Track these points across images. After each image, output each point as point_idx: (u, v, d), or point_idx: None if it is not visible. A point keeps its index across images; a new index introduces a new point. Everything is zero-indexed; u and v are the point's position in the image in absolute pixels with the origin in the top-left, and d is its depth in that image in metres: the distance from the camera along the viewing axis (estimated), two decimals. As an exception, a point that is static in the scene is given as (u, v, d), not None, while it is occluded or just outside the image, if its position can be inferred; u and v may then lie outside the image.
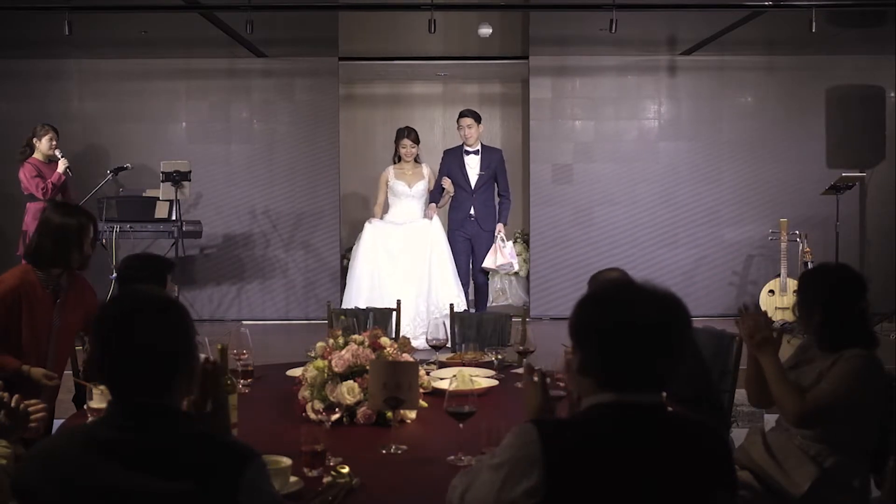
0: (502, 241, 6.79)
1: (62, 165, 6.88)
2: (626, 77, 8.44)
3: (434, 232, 6.67)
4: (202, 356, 1.90)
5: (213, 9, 6.80)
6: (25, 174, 6.86)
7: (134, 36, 7.70)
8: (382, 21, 8.63)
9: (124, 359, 1.64)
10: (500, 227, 6.83)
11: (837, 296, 2.73)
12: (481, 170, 6.82)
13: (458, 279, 6.68)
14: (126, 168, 7.26)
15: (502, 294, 9.17)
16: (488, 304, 7.37)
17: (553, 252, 8.33)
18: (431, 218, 6.70)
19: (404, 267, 6.53)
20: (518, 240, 8.94)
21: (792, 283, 7.21)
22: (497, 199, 7.00)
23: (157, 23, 7.37)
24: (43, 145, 6.94)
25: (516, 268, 7.10)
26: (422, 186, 6.75)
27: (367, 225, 6.74)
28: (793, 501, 2.66)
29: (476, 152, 6.85)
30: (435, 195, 6.84)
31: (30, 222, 6.75)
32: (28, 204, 6.94)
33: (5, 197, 8.40)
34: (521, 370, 3.45)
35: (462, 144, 6.88)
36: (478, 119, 6.84)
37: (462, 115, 6.87)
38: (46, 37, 7.35)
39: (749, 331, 2.77)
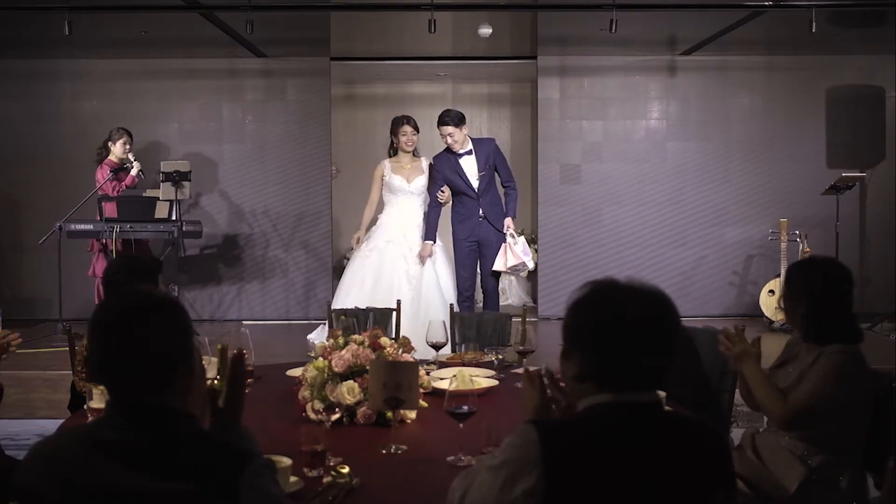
0: (512, 237, 5.99)
1: (135, 169, 7.16)
2: (634, 77, 8.45)
3: (426, 274, 6.03)
4: (233, 350, 1.90)
5: (213, 9, 6.81)
6: (102, 175, 7.15)
7: (132, 36, 7.71)
8: (385, 21, 8.64)
9: (122, 359, 1.64)
10: (507, 222, 6.02)
11: (824, 289, 2.73)
12: (480, 169, 6.01)
13: (452, 301, 5.86)
14: (126, 168, 7.25)
15: (502, 294, 9.16)
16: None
17: (561, 252, 8.33)
18: (424, 263, 6.03)
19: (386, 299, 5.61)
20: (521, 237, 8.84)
21: (792, 283, 7.21)
22: (503, 195, 6.23)
23: (157, 23, 7.38)
24: (117, 149, 7.21)
25: (531, 266, 6.16)
26: (421, 182, 6.09)
27: (354, 249, 6.15)
28: (782, 502, 2.66)
29: (469, 152, 6.03)
30: (432, 215, 6.08)
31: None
32: (103, 203, 7.14)
33: (5, 196, 8.42)
34: (521, 370, 3.45)
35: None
36: (458, 122, 5.93)
37: (440, 122, 5.96)
38: (46, 37, 7.36)
39: (725, 345, 2.78)
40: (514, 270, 6.15)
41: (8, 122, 8.40)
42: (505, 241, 6.02)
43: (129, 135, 7.28)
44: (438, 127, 6.02)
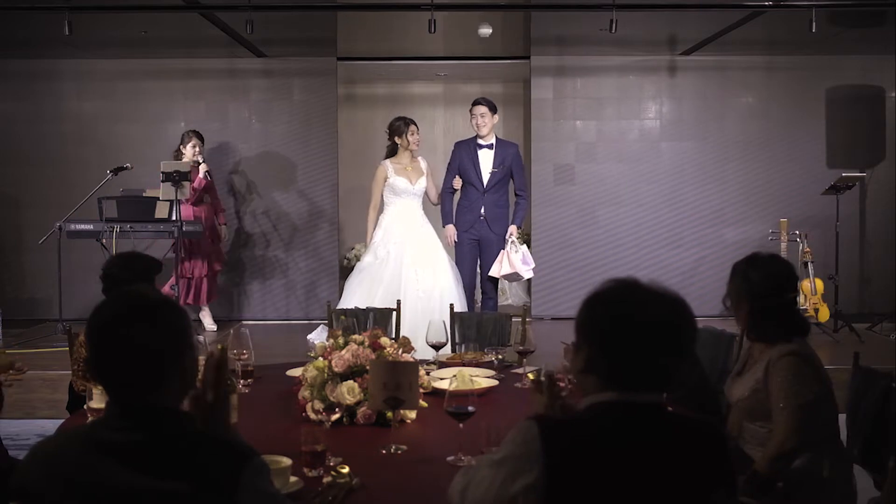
0: (514, 245, 6.05)
1: (202, 170, 7.18)
2: (628, 77, 8.44)
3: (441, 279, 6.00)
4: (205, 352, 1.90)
5: (213, 9, 6.81)
6: None
7: (134, 36, 7.71)
8: (383, 21, 8.64)
9: (118, 360, 1.64)
10: (511, 229, 6.11)
11: (766, 288, 2.72)
12: (494, 166, 6.13)
13: (463, 298, 5.94)
14: (126, 168, 7.25)
15: (502, 294, 9.16)
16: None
17: (555, 252, 8.32)
18: (452, 243, 6.14)
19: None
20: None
21: (792, 283, 7.21)
22: (511, 200, 6.32)
23: (157, 23, 7.38)
24: (188, 151, 7.23)
25: (526, 276, 6.20)
26: (423, 183, 6.14)
27: (362, 261, 6.16)
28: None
29: (490, 146, 6.17)
30: (447, 202, 6.21)
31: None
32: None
33: (5, 196, 8.43)
34: (521, 370, 3.45)
35: (475, 137, 6.20)
36: (493, 108, 6.15)
37: (476, 102, 6.18)
38: (46, 37, 7.36)
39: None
40: (508, 278, 6.16)
41: (8, 122, 8.40)
42: (504, 247, 6.07)
43: (199, 136, 7.30)
44: (472, 107, 6.19)
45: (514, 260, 6.02)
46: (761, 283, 2.73)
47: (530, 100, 8.51)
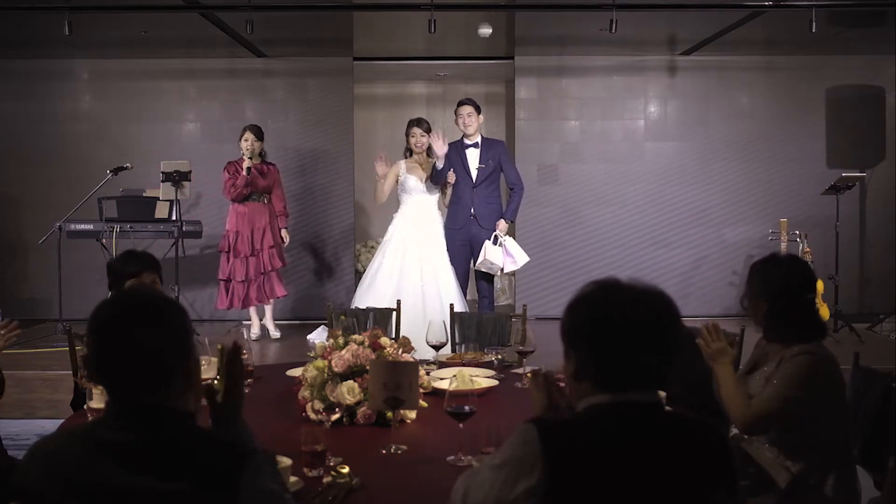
0: (498, 238, 6.16)
1: (244, 166, 6.90)
2: (613, 77, 8.45)
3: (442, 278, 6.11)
4: (234, 346, 1.91)
5: (213, 9, 6.81)
6: (224, 174, 6.98)
7: (136, 36, 7.71)
8: (381, 21, 8.63)
9: (119, 359, 1.64)
10: (499, 224, 6.24)
11: (784, 288, 2.71)
12: (481, 162, 6.31)
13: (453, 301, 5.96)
14: (126, 168, 7.25)
15: (502, 294, 9.15)
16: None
17: (540, 253, 8.28)
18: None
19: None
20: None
21: (792, 283, 7.20)
22: (502, 198, 6.44)
23: (157, 22, 7.37)
24: (242, 146, 6.94)
25: (508, 268, 6.24)
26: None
27: (372, 266, 6.28)
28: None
29: (476, 145, 6.34)
30: (441, 176, 6.23)
31: (229, 221, 7.05)
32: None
33: (5, 196, 8.43)
34: (521, 370, 3.45)
35: (462, 138, 6.36)
36: (478, 109, 6.37)
37: (461, 103, 6.38)
38: (47, 37, 7.36)
39: (703, 343, 2.75)
40: (482, 266, 6.22)
41: (8, 122, 8.40)
42: (490, 240, 6.17)
43: (253, 131, 6.94)
44: (458, 108, 6.37)
45: (490, 250, 6.12)
46: (779, 282, 2.71)
47: (514, 100, 8.52)
